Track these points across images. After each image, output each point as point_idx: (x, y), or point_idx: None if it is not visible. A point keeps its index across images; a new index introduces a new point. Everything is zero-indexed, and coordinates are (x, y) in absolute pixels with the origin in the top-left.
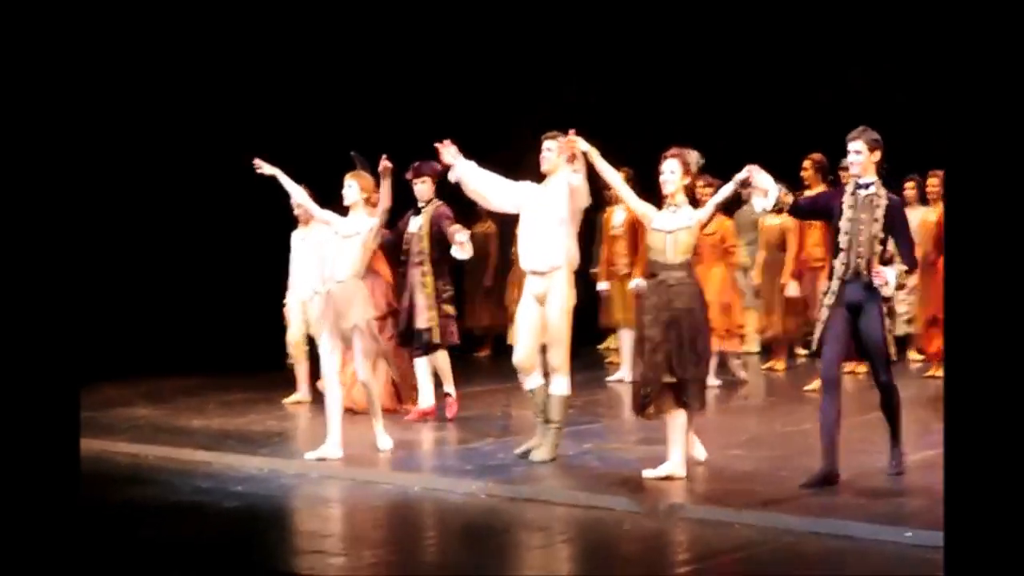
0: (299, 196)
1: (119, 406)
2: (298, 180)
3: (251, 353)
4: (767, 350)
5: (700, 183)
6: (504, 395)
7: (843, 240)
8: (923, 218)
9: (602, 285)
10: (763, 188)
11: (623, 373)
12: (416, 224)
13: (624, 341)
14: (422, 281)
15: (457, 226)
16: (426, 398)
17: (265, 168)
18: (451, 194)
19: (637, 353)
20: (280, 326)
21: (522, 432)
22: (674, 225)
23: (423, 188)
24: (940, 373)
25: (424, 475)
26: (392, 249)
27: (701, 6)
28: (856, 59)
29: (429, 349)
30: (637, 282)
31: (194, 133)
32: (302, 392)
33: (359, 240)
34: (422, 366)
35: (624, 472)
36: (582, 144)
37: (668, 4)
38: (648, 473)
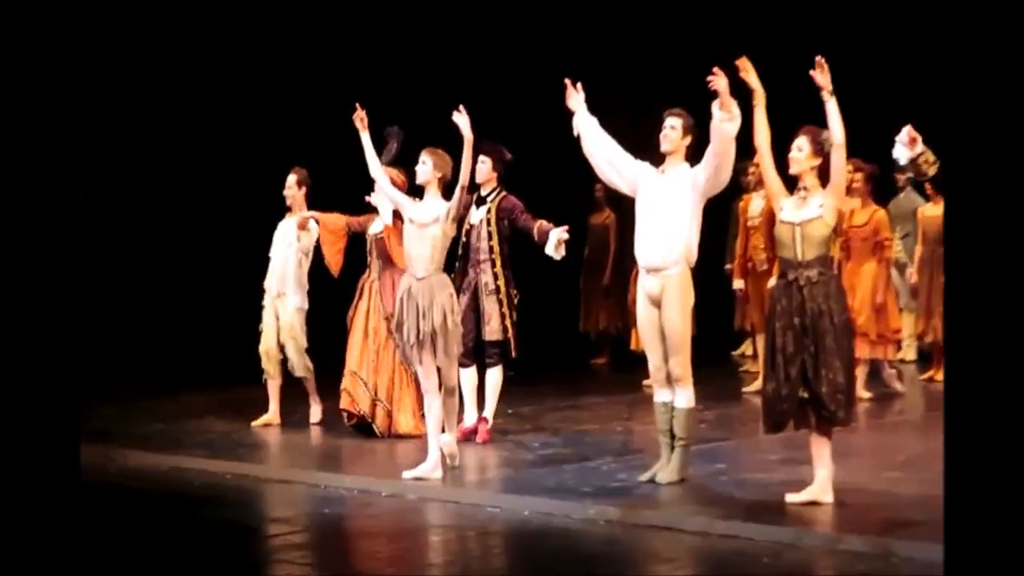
0: (374, 169)
1: (191, 417)
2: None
3: (329, 362)
4: (926, 358)
5: (849, 167)
6: (625, 408)
7: None
8: (928, 213)
9: (737, 283)
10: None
11: (759, 384)
12: (478, 216)
13: (762, 347)
14: (494, 285)
15: (548, 224)
16: (470, 414)
17: (360, 123)
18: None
19: (768, 364)
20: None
21: (646, 450)
22: (803, 216)
23: (484, 170)
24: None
25: (536, 498)
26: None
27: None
28: (856, 59)
29: (491, 364)
30: (773, 280)
31: (190, 131)
32: (271, 412)
33: (438, 228)
34: (469, 382)
35: (763, 496)
36: (752, 79)
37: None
38: (791, 498)
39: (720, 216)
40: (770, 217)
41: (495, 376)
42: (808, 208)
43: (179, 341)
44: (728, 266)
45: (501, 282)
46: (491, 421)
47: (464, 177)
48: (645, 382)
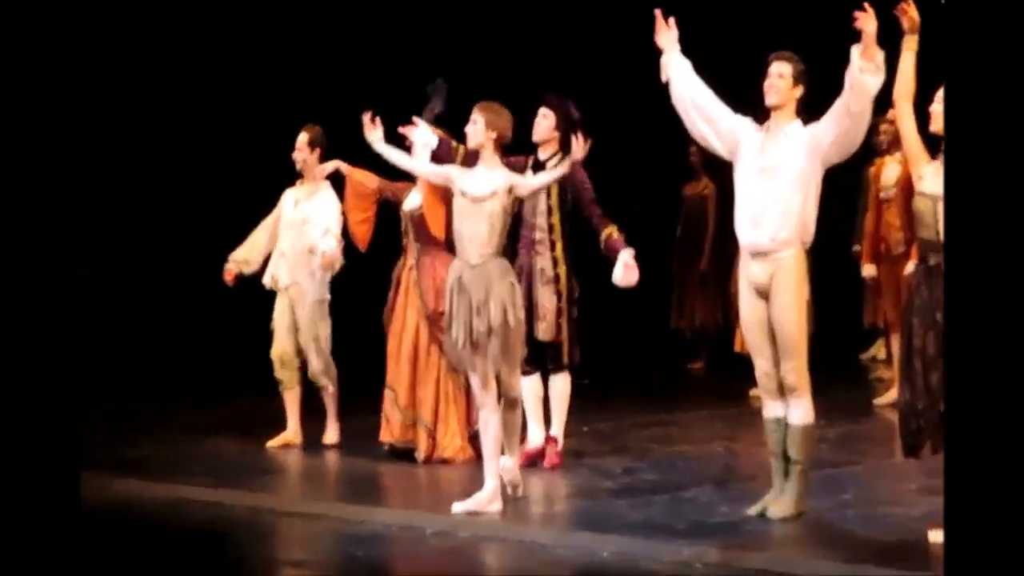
0: (407, 160)
1: (194, 436)
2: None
3: (363, 373)
4: None
5: None
6: (728, 424)
7: None
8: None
9: (867, 269)
10: None
11: (896, 393)
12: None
13: (897, 348)
14: (553, 273)
15: (618, 236)
16: (535, 433)
17: (371, 130)
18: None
19: (903, 370)
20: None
21: (754, 477)
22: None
23: (544, 127)
24: None
25: (617, 536)
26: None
27: None
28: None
29: (554, 370)
30: (912, 265)
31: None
32: (291, 430)
33: (496, 203)
34: (532, 393)
35: (899, 534)
36: (912, 12)
37: None
38: (935, 536)
39: (845, 184)
40: (907, 187)
41: (561, 385)
42: None
43: (181, 345)
44: (856, 248)
45: (562, 269)
46: (561, 441)
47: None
48: (752, 392)
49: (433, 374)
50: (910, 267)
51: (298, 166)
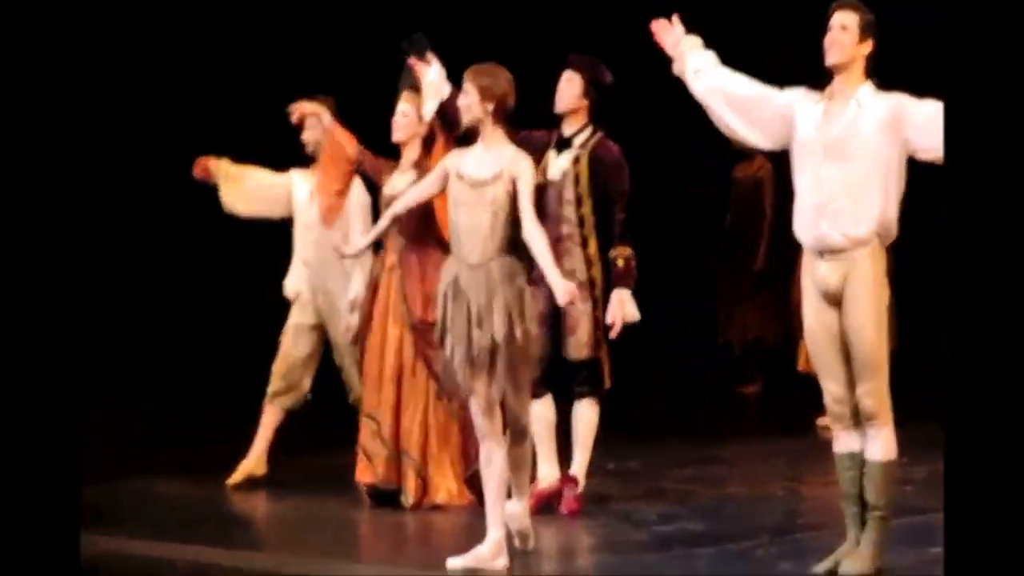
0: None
1: (150, 470)
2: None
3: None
4: None
5: None
6: (789, 461)
7: None
8: None
9: None
10: None
11: None
12: (559, 167)
13: None
14: (587, 275)
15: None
16: (548, 470)
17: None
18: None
19: None
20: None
21: (823, 525)
22: None
23: (569, 95)
24: None
25: None
26: None
27: None
28: None
29: (583, 395)
30: None
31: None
32: (254, 457)
33: (501, 188)
34: (543, 421)
35: None
36: None
37: None
38: None
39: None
40: None
41: (589, 413)
42: None
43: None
44: None
45: (596, 270)
46: (582, 481)
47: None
48: (819, 421)
49: (421, 399)
50: None
51: (310, 148)
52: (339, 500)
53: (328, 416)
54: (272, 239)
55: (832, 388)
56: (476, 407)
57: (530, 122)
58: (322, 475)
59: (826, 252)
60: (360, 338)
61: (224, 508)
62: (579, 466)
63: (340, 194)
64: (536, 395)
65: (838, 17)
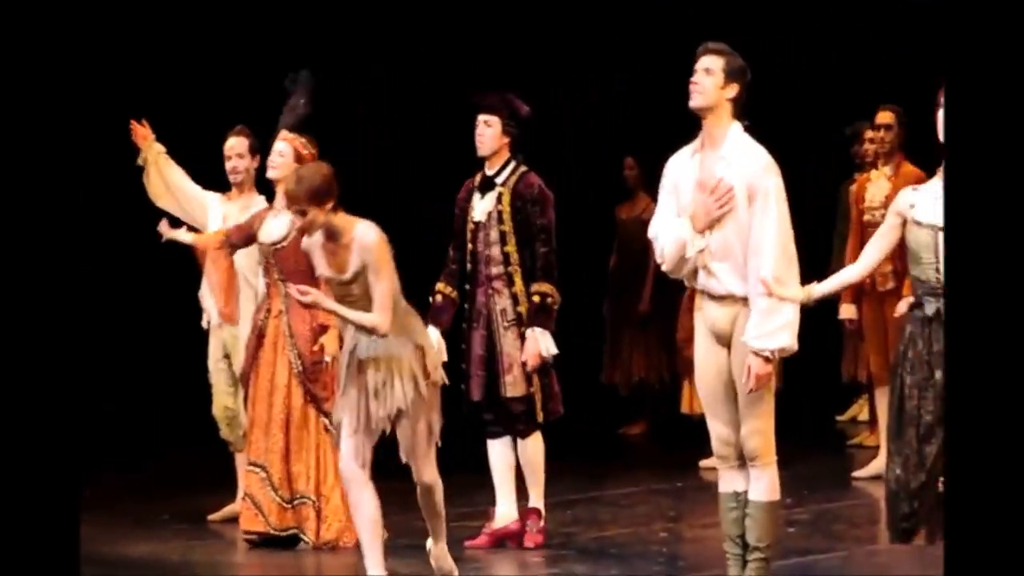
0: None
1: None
2: None
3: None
4: None
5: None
6: (673, 501)
7: None
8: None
9: (847, 311)
10: None
11: (880, 464)
12: (484, 208)
13: (884, 408)
14: (514, 314)
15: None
16: (508, 508)
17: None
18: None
19: (892, 439)
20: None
21: (705, 566)
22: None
23: (490, 136)
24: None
25: None
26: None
27: None
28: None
29: (524, 432)
30: (906, 305)
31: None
32: (240, 500)
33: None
34: (504, 461)
35: None
36: None
37: None
38: None
39: (820, 205)
40: None
41: (533, 448)
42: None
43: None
44: None
45: (523, 307)
46: (543, 509)
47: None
48: (703, 462)
49: (312, 442)
50: (901, 307)
51: (239, 178)
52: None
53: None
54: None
55: (718, 428)
56: (346, 449)
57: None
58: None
59: (717, 296)
60: (245, 384)
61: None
62: (538, 499)
63: (229, 298)
64: (495, 435)
65: (703, 61)
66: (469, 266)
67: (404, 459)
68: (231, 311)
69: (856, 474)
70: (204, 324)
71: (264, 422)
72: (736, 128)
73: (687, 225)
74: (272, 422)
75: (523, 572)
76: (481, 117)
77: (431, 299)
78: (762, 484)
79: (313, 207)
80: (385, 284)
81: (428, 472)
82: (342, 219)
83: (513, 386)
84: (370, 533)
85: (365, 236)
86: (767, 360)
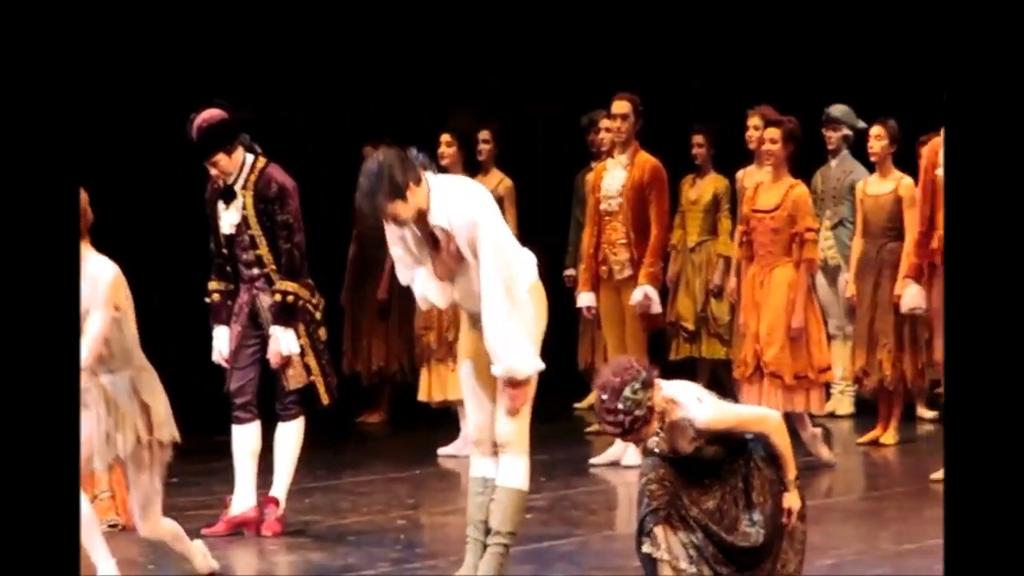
0: None
1: None
2: None
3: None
4: (868, 410)
5: (755, 121)
6: (411, 488)
7: None
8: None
9: (584, 298)
10: None
11: (617, 451)
12: (230, 220)
13: None
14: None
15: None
16: (247, 496)
17: None
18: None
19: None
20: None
21: (443, 552)
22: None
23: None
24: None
25: None
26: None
27: None
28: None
29: (293, 416)
30: (641, 293)
31: None
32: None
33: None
34: (244, 444)
35: None
36: None
37: None
38: None
39: (557, 194)
40: (637, 192)
41: (293, 434)
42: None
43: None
44: (569, 272)
45: (292, 299)
46: (283, 502)
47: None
48: (441, 451)
49: None
50: (636, 295)
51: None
52: None
53: None
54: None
55: (477, 415)
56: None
57: None
58: None
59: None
60: None
61: None
62: (282, 487)
63: None
64: (245, 420)
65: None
66: (230, 267)
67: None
68: None
69: (593, 461)
70: None
71: None
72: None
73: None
74: None
75: (261, 560)
76: (197, 119)
77: (208, 299)
78: (512, 471)
79: None
80: (97, 324)
81: (149, 527)
82: (85, 249)
83: (295, 379)
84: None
85: (97, 271)
86: (516, 383)
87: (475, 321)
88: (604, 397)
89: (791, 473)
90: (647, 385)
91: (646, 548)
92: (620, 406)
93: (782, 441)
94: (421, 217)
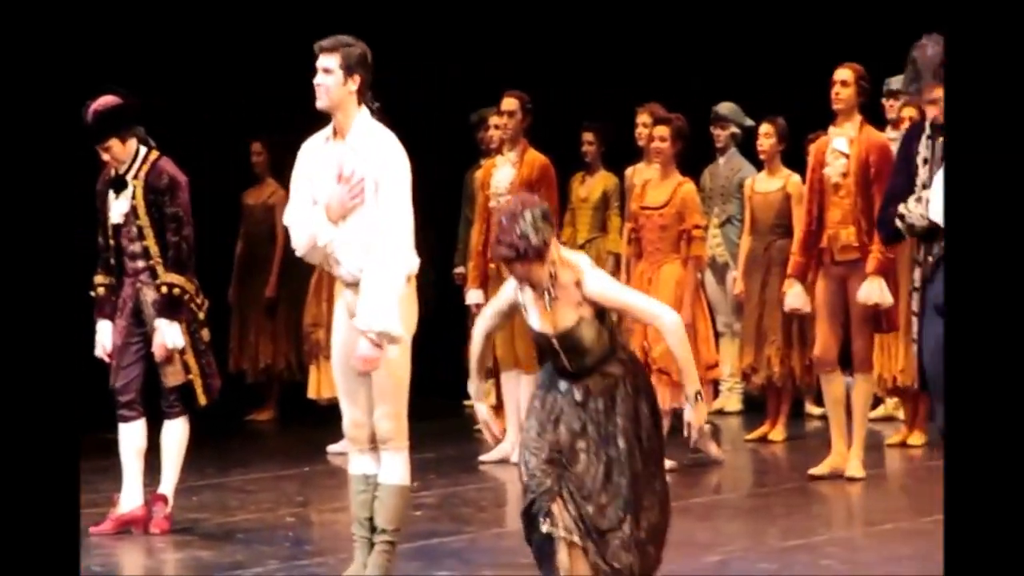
0: None
1: None
2: None
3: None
4: (756, 407)
5: (645, 118)
6: (299, 486)
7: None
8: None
9: (473, 295)
10: None
11: (506, 448)
12: (120, 210)
13: (510, 393)
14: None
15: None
16: (134, 494)
17: None
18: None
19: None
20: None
21: (331, 550)
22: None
23: (113, 145)
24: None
25: None
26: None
27: None
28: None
29: (177, 414)
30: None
31: None
32: None
33: None
34: (130, 442)
35: None
36: None
37: None
38: None
39: (446, 192)
40: (529, 191)
41: (178, 433)
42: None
43: None
44: (458, 269)
45: (178, 292)
46: (171, 500)
47: None
48: (330, 447)
49: None
50: None
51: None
52: None
53: None
54: None
55: (351, 410)
56: None
57: None
58: None
59: (352, 283)
60: None
61: None
62: (170, 484)
63: None
64: (130, 418)
65: (321, 61)
66: (115, 260)
67: None
68: None
69: (483, 458)
70: None
71: None
72: (363, 116)
73: (321, 215)
74: None
75: (149, 558)
76: (93, 106)
77: (92, 293)
78: (393, 468)
79: None
80: None
81: None
82: None
83: (173, 375)
84: None
85: None
86: (374, 343)
87: (350, 292)
88: (503, 220)
89: (691, 386)
90: (546, 218)
91: (546, 528)
92: (518, 229)
93: (680, 346)
94: (341, 133)
